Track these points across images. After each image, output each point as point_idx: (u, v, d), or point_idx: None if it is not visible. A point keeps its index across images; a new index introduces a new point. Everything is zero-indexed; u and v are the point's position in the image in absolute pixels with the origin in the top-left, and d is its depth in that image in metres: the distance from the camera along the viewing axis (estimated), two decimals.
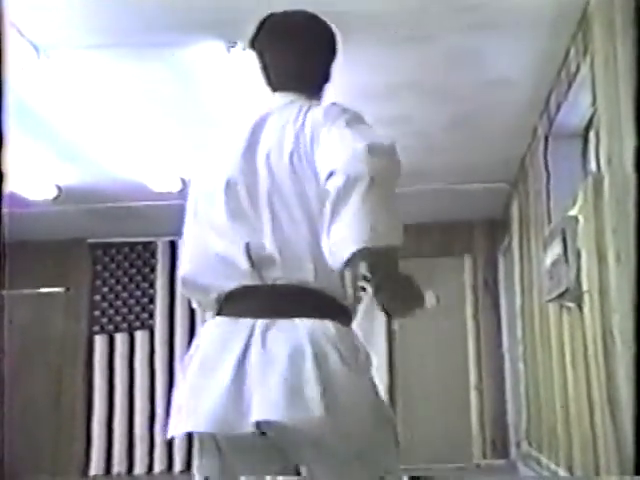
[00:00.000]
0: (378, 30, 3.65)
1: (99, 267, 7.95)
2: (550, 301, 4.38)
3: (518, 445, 6.63)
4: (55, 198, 5.97)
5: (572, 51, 3.79)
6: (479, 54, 3.92)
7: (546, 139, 4.65)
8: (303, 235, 1.57)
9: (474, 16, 3.50)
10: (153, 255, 7.90)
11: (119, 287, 7.91)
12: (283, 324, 1.55)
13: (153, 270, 7.88)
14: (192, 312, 7.77)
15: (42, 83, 4.01)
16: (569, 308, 4.02)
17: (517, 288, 6.35)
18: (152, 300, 7.85)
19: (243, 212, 1.62)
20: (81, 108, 4.43)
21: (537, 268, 5.03)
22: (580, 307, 3.74)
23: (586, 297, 3.61)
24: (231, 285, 1.64)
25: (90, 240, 7.88)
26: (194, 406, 1.58)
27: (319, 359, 1.50)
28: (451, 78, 4.23)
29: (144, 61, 3.91)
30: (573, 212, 3.73)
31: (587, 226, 3.53)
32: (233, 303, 1.64)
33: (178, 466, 7.53)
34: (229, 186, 1.65)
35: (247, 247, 1.58)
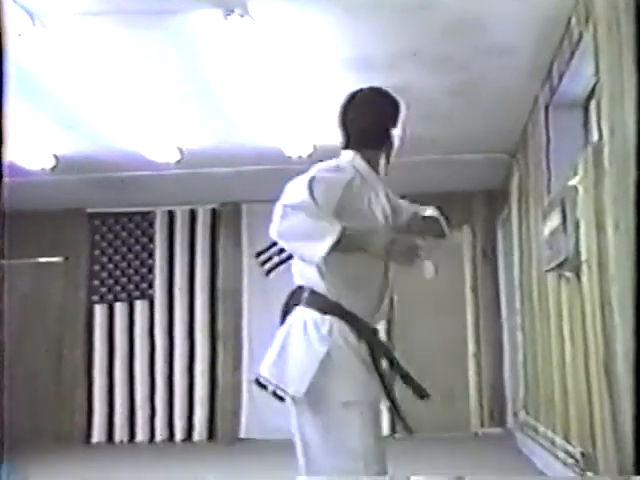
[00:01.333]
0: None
1: (97, 237, 7.94)
2: (549, 271, 4.38)
3: (515, 414, 6.68)
4: (53, 168, 5.94)
5: (574, 19, 3.75)
6: (480, 22, 3.88)
7: (547, 109, 4.61)
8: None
9: None
10: (151, 225, 7.89)
11: (118, 257, 7.92)
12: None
13: (152, 240, 7.88)
14: (192, 282, 7.79)
15: (38, 50, 3.97)
16: (567, 278, 4.02)
17: (515, 258, 6.35)
18: (151, 270, 7.86)
19: None
20: (78, 76, 4.40)
21: (536, 238, 5.03)
22: (578, 277, 3.75)
23: (584, 267, 3.61)
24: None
25: (88, 210, 7.87)
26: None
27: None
28: (452, 46, 4.19)
29: (141, 28, 3.86)
30: (573, 182, 3.72)
31: (587, 196, 3.52)
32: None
33: (179, 435, 7.60)
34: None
35: None
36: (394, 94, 2.49)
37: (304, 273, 2.32)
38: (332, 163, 2.37)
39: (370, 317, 2.34)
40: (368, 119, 2.44)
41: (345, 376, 2.25)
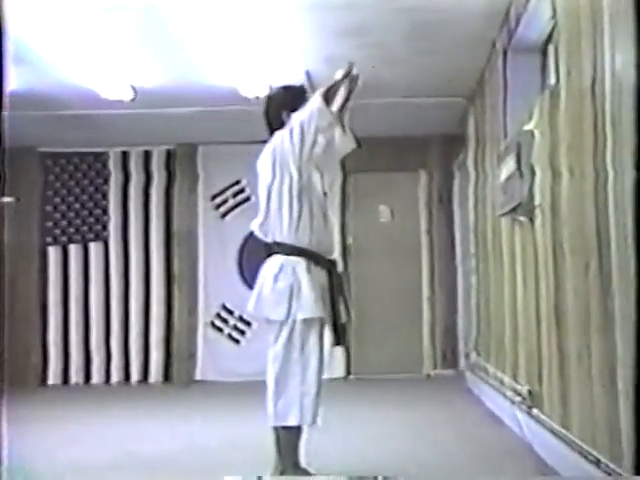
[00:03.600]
0: None
1: (50, 177, 7.78)
2: (503, 215, 4.44)
3: (467, 355, 6.84)
4: None
5: None
6: None
7: (505, 53, 4.60)
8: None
9: None
10: (105, 166, 7.75)
11: (71, 198, 7.78)
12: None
13: (106, 181, 7.75)
14: (146, 224, 7.72)
15: None
16: (521, 222, 4.08)
17: (471, 203, 6.41)
18: (105, 212, 7.75)
19: None
20: (27, 7, 4.23)
21: (491, 183, 5.07)
22: (532, 221, 3.80)
23: (538, 211, 3.66)
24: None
25: (40, 149, 7.68)
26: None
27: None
28: None
29: None
30: (529, 127, 3.74)
31: (542, 140, 3.55)
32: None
33: (135, 377, 7.62)
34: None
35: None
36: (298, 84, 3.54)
37: (269, 230, 3.12)
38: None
39: (323, 251, 3.14)
40: (273, 109, 3.36)
41: (305, 301, 3.04)
